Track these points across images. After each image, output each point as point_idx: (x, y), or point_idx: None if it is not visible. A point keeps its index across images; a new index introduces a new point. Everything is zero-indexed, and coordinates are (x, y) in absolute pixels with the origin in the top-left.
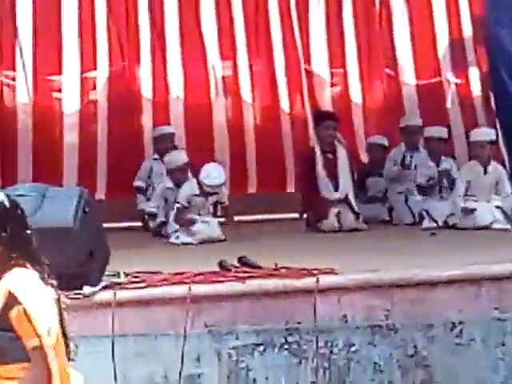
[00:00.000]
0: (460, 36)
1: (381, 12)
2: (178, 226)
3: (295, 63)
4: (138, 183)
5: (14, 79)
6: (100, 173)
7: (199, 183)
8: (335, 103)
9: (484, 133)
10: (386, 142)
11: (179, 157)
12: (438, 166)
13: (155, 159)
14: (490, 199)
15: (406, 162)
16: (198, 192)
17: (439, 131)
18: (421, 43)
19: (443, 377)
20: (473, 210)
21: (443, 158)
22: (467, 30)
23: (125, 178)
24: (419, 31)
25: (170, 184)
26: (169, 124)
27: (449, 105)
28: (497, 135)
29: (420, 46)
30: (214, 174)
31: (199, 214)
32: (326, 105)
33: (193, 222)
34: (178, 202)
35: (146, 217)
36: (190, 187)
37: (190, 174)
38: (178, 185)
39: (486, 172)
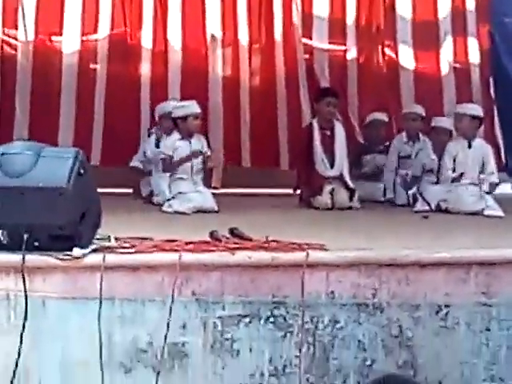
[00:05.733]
0: (463, 17)
1: None
2: (170, 195)
3: (295, 37)
4: (135, 163)
5: (15, 38)
6: (95, 138)
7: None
8: (332, 79)
9: (466, 106)
10: (386, 118)
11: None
12: (440, 158)
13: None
14: (477, 178)
15: (408, 153)
16: (180, 137)
17: (447, 122)
18: (423, 23)
19: (426, 358)
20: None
21: None
22: (471, 13)
23: (120, 143)
24: (421, 10)
25: None
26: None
27: (445, 90)
28: (493, 122)
29: (421, 25)
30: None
31: (192, 180)
32: (323, 81)
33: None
34: (163, 154)
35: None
36: (173, 137)
37: None
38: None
39: (470, 146)
